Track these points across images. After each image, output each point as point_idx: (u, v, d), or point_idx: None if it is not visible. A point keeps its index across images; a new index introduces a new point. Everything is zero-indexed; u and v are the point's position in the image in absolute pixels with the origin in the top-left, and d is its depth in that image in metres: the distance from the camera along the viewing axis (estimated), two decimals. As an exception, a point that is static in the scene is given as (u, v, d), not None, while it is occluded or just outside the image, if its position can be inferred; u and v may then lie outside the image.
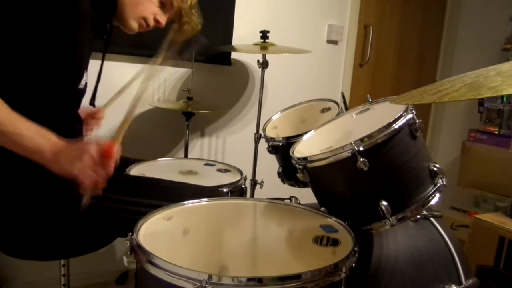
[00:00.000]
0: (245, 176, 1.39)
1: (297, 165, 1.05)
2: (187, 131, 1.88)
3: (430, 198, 0.99)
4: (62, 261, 1.27)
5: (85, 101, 1.11)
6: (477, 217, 1.65)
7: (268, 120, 1.59)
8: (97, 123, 1.35)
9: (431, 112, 3.06)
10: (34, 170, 0.84)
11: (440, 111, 3.06)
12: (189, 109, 1.76)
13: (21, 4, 0.86)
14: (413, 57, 2.90)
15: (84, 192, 0.85)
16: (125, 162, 1.35)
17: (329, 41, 2.49)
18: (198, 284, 0.66)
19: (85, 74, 1.05)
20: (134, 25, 1.13)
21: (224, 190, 1.24)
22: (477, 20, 2.87)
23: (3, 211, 0.95)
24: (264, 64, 1.89)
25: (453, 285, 1.06)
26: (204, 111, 1.93)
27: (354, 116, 1.23)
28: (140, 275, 0.80)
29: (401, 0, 2.74)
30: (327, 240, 0.87)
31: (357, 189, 0.99)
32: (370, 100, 1.21)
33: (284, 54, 2.20)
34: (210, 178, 1.35)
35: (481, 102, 2.55)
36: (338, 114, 1.32)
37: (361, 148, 0.92)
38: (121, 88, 1.34)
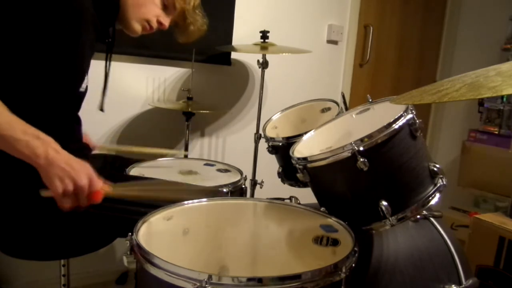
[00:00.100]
0: (245, 176, 1.39)
1: (297, 165, 1.05)
2: (187, 131, 1.88)
3: (430, 198, 0.99)
4: (62, 261, 1.27)
5: (86, 103, 1.11)
6: (477, 217, 1.65)
7: (268, 120, 1.59)
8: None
9: (431, 112, 3.06)
10: (34, 170, 0.84)
11: (440, 111, 3.06)
12: (189, 109, 1.76)
13: (23, 6, 0.86)
14: (413, 57, 2.90)
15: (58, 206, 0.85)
16: (125, 162, 1.36)
17: (329, 41, 2.49)
18: (198, 284, 0.66)
19: (86, 77, 1.05)
20: (138, 27, 1.12)
21: (224, 190, 1.24)
22: (477, 20, 2.87)
23: (3, 211, 0.95)
24: (264, 64, 1.89)
25: (453, 285, 1.06)
26: (204, 111, 1.93)
27: (354, 116, 1.23)
28: (140, 275, 0.80)
29: (401, 0, 2.74)
30: (327, 240, 0.87)
31: (357, 189, 0.99)
32: (370, 100, 1.21)
33: (284, 54, 2.20)
34: (210, 178, 1.35)
35: (481, 102, 2.55)
36: (338, 114, 1.32)
37: (361, 148, 0.92)
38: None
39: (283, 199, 1.14)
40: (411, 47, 2.87)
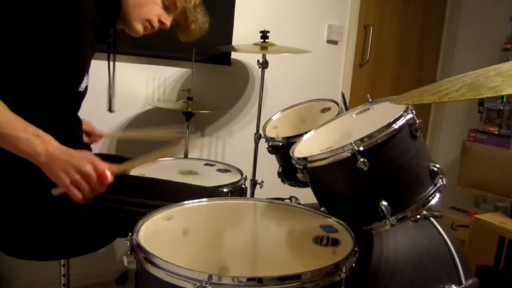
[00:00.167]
0: (245, 176, 1.39)
1: (297, 165, 1.05)
2: (187, 131, 1.88)
3: (430, 198, 0.99)
4: (62, 261, 1.27)
5: (86, 103, 1.11)
6: (477, 217, 1.65)
7: (268, 120, 1.59)
8: (90, 141, 1.34)
9: (431, 112, 3.06)
10: (34, 170, 0.84)
11: (440, 111, 3.06)
12: (189, 109, 1.76)
13: (23, 6, 0.86)
14: (413, 57, 2.90)
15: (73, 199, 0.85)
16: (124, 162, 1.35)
17: (329, 41, 2.49)
18: (198, 284, 0.66)
19: (86, 77, 1.05)
20: (139, 27, 1.12)
21: (224, 190, 1.25)
22: (477, 20, 2.87)
23: (3, 211, 0.95)
24: (264, 64, 1.89)
25: (453, 285, 1.06)
26: (204, 111, 1.93)
27: (354, 116, 1.23)
28: (140, 275, 0.80)
29: (401, 0, 2.74)
30: (327, 240, 0.87)
31: (357, 189, 0.99)
32: (370, 100, 1.21)
33: (284, 54, 2.20)
34: (210, 178, 1.35)
35: (481, 102, 2.55)
36: (338, 114, 1.32)
37: (361, 148, 0.92)
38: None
39: (283, 199, 1.14)
40: (411, 47, 2.87)
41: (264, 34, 1.83)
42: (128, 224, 0.85)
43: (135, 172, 1.31)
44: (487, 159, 2.46)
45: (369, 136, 0.93)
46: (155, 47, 1.85)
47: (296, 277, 0.69)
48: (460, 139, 2.69)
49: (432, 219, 1.17)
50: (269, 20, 2.19)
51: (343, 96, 1.44)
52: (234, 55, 2.13)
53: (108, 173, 0.86)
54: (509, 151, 2.32)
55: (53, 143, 0.84)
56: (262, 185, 1.95)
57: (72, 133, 1.09)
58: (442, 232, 1.14)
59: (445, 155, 2.96)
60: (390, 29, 2.73)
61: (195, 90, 1.85)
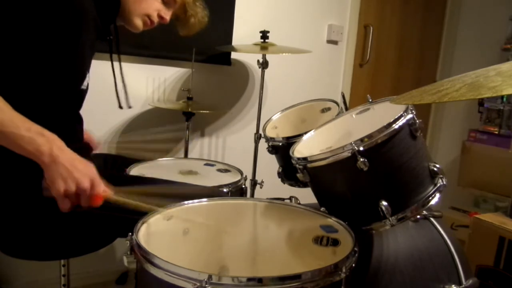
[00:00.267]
0: (245, 176, 1.39)
1: (297, 165, 1.05)
2: (187, 131, 1.88)
3: (430, 198, 0.99)
4: (62, 261, 1.27)
5: (86, 103, 1.11)
6: (477, 217, 1.65)
7: (268, 120, 1.59)
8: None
9: (431, 112, 3.06)
10: (34, 170, 0.84)
11: (440, 111, 3.06)
12: (189, 109, 1.76)
13: (23, 5, 0.86)
14: (413, 57, 2.90)
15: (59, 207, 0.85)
16: (126, 162, 1.35)
17: (329, 41, 2.49)
18: (198, 284, 0.66)
19: (87, 75, 1.05)
20: (139, 23, 1.12)
21: (224, 190, 1.24)
22: (477, 20, 2.87)
23: (3, 211, 0.95)
24: (264, 64, 1.89)
25: (453, 285, 1.06)
26: (204, 111, 1.93)
27: (354, 116, 1.23)
28: (140, 275, 0.80)
29: (401, 0, 2.74)
30: (327, 240, 0.87)
31: (357, 189, 0.99)
32: (370, 100, 1.21)
33: (284, 54, 2.20)
34: (210, 178, 1.35)
35: (481, 102, 2.55)
36: (338, 114, 1.32)
37: (361, 148, 0.92)
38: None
39: (283, 199, 1.14)
40: (411, 47, 2.87)
41: (264, 34, 1.83)
42: (128, 224, 0.85)
43: (135, 172, 1.31)
44: (487, 159, 2.46)
45: (369, 136, 0.93)
46: (155, 47, 1.85)
47: (296, 277, 0.69)
48: (460, 139, 2.69)
49: (432, 219, 1.17)
50: (269, 20, 2.19)
51: (343, 96, 1.44)
52: (234, 55, 2.13)
53: (101, 197, 0.86)
54: (509, 151, 2.32)
55: (57, 142, 0.83)
56: (262, 185, 1.95)
57: (74, 133, 1.09)
58: (442, 232, 1.14)
59: (445, 155, 2.96)
60: (390, 29, 2.73)
61: (195, 90, 1.85)
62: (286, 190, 1.48)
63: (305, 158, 1.02)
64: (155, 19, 1.14)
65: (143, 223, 0.89)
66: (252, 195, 1.97)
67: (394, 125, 0.94)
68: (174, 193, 1.03)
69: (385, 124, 0.93)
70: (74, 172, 0.82)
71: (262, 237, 0.93)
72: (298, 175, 1.06)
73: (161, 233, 0.88)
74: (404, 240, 1.11)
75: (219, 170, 1.46)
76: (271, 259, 0.82)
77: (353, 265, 0.78)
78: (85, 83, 1.05)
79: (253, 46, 1.83)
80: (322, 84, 2.51)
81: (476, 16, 2.88)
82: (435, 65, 3.02)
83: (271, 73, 2.12)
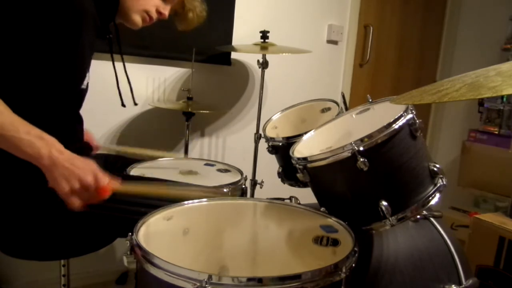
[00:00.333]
0: (245, 176, 1.39)
1: (297, 165, 1.05)
2: (187, 131, 1.88)
3: (430, 198, 0.99)
4: (62, 261, 1.27)
5: (86, 103, 1.11)
6: (477, 217, 1.65)
7: (268, 120, 1.59)
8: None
9: (431, 112, 3.06)
10: (34, 170, 0.84)
11: (440, 111, 3.06)
12: (189, 109, 1.76)
13: (23, 5, 0.86)
14: (413, 57, 2.90)
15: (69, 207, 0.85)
16: (126, 162, 1.35)
17: (329, 41, 2.49)
18: (198, 284, 0.66)
19: (87, 75, 1.05)
20: (138, 19, 1.12)
21: (224, 190, 1.24)
22: (477, 20, 2.87)
23: (3, 211, 0.95)
24: (264, 64, 1.89)
25: (453, 285, 1.06)
26: (204, 111, 1.93)
27: (354, 116, 1.23)
28: (140, 275, 0.80)
29: (401, 0, 2.74)
30: (327, 240, 0.87)
31: (357, 189, 0.99)
32: (370, 100, 1.21)
33: (284, 54, 2.20)
34: (210, 178, 1.35)
35: (481, 102, 2.55)
36: (338, 114, 1.32)
37: (361, 148, 0.92)
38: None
39: (283, 199, 1.14)
40: (411, 47, 2.87)
41: (264, 34, 1.83)
42: (128, 224, 0.85)
43: (135, 172, 1.31)
44: (487, 159, 2.46)
45: (369, 136, 0.93)
46: (155, 47, 1.85)
47: (296, 277, 0.69)
48: (460, 139, 2.69)
49: (432, 219, 1.17)
50: (269, 20, 2.19)
51: (343, 96, 1.44)
52: (234, 55, 2.13)
53: (107, 189, 0.86)
54: (509, 151, 2.32)
55: (57, 145, 0.83)
56: (262, 185, 1.95)
57: (74, 133, 1.09)
58: (442, 232, 1.14)
59: (445, 155, 2.96)
60: (390, 29, 2.73)
61: (195, 90, 1.85)
62: (286, 190, 1.48)
63: (305, 158, 1.02)
64: (154, 15, 1.14)
65: (143, 223, 0.89)
66: (252, 195, 1.97)
67: (394, 125, 0.94)
68: (176, 194, 1.03)
69: (385, 124, 0.93)
70: (75, 170, 0.82)
71: (262, 237, 0.93)
72: (298, 175, 1.06)
73: (161, 233, 0.88)
74: (404, 240, 1.11)
75: (219, 170, 1.46)
76: (271, 259, 0.82)
77: (353, 265, 0.78)
78: (85, 82, 1.05)
79: (253, 46, 1.83)
80: (322, 84, 2.51)
81: (476, 16, 2.88)
82: (435, 65, 3.02)
83: (271, 73, 2.12)
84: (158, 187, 0.99)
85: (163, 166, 1.48)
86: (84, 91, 1.07)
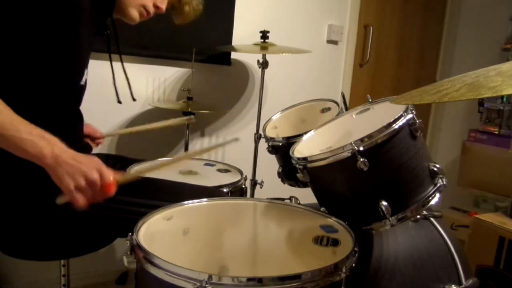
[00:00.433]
0: (245, 176, 1.39)
1: (297, 165, 1.05)
2: (187, 131, 1.88)
3: (430, 198, 0.99)
4: (62, 261, 1.27)
5: (86, 103, 1.11)
6: (477, 217, 1.65)
7: (268, 120, 1.59)
8: (95, 144, 1.34)
9: (431, 112, 3.06)
10: (34, 170, 0.83)
11: (440, 111, 3.06)
12: (189, 109, 1.76)
13: (21, 2, 0.86)
14: (413, 57, 2.90)
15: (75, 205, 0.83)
16: (127, 162, 1.35)
17: (329, 41, 2.49)
18: (198, 284, 0.66)
19: (85, 71, 1.05)
20: (135, 14, 1.12)
21: (224, 190, 1.24)
22: (477, 20, 2.87)
23: (3, 211, 0.95)
24: (264, 64, 1.89)
25: (453, 285, 1.06)
26: (204, 111, 1.93)
27: (354, 116, 1.23)
28: (140, 275, 0.80)
29: (401, 0, 2.74)
30: (327, 240, 0.87)
31: (357, 189, 0.99)
32: (370, 100, 1.21)
33: (284, 54, 2.20)
34: (210, 178, 1.35)
35: (481, 102, 2.55)
36: (338, 114, 1.32)
37: (361, 148, 0.92)
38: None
39: (283, 199, 1.14)
40: (411, 47, 2.87)
41: (264, 34, 1.83)
42: (128, 224, 0.85)
43: (135, 172, 1.31)
44: (487, 159, 2.46)
45: (369, 136, 0.93)
46: (155, 47, 1.85)
47: (296, 277, 0.69)
48: (460, 139, 2.69)
49: (432, 219, 1.17)
50: (269, 20, 2.19)
51: (343, 96, 1.44)
52: (234, 55, 2.13)
53: (113, 184, 0.84)
54: (509, 151, 2.32)
55: (59, 144, 0.83)
56: (262, 185, 1.95)
57: (74, 133, 1.09)
58: (442, 232, 1.14)
59: (445, 155, 2.96)
60: (390, 29, 2.73)
61: (195, 90, 1.85)
62: (286, 190, 1.48)
63: (305, 158, 1.02)
64: (151, 9, 1.13)
65: (143, 223, 0.89)
66: (252, 195, 1.97)
67: (394, 125, 0.94)
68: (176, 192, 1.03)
69: (385, 124, 0.93)
70: (79, 166, 0.81)
71: (262, 237, 0.93)
72: (298, 175, 1.06)
73: (161, 233, 0.88)
74: (404, 240, 1.11)
75: (219, 170, 1.46)
76: (271, 259, 0.82)
77: (353, 265, 0.78)
78: (83, 79, 1.04)
79: (253, 46, 1.83)
80: (322, 84, 2.51)
81: (476, 16, 2.88)
82: (435, 65, 3.02)
83: (271, 73, 2.12)
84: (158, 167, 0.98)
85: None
86: (83, 88, 1.07)
